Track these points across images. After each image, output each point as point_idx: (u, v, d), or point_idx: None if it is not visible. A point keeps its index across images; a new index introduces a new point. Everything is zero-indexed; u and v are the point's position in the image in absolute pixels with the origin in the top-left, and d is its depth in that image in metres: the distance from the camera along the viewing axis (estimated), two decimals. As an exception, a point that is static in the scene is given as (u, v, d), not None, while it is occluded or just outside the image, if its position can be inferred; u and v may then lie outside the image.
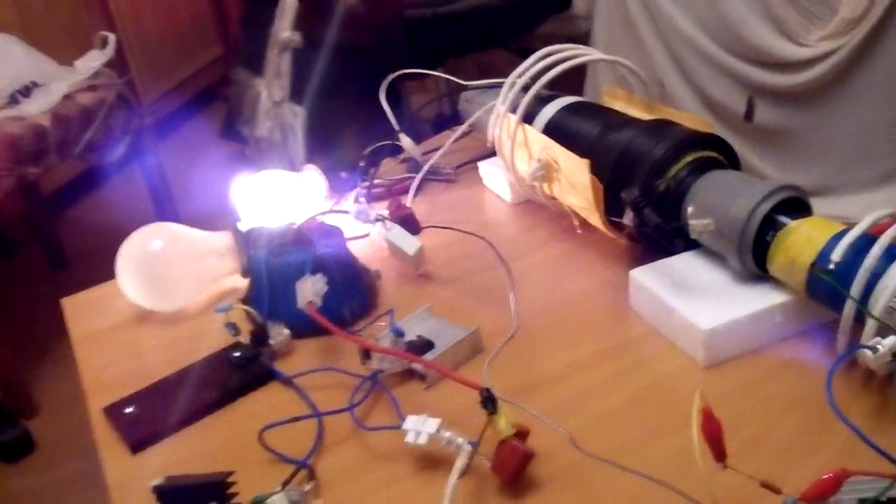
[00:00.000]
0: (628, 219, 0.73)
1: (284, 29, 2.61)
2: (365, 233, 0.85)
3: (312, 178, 0.91)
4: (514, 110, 0.84)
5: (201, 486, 0.56)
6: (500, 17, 1.67)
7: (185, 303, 0.81)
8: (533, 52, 0.86)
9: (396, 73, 1.04)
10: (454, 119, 1.14)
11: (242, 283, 0.81)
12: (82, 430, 1.46)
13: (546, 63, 0.84)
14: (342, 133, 1.79)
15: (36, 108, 1.66)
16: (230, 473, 0.56)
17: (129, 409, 0.68)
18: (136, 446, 0.65)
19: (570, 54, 0.84)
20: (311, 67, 2.30)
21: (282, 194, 0.87)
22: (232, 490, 0.56)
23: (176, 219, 2.17)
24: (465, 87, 1.02)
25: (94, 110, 1.74)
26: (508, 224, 0.91)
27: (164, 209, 2.07)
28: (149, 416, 0.67)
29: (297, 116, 2.64)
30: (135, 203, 2.43)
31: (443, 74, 1.04)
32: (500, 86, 0.89)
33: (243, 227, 0.83)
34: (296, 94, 2.56)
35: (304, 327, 0.73)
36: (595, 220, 0.77)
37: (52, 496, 1.50)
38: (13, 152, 1.59)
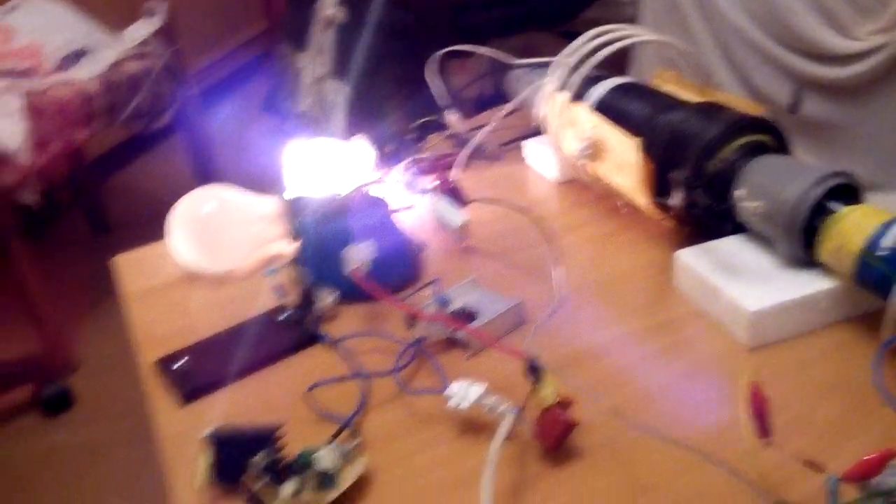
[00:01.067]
0: (676, 200, 0.73)
1: (329, 5, 2.62)
2: (410, 204, 0.86)
3: (361, 149, 0.92)
4: (562, 89, 0.84)
5: (252, 437, 0.57)
6: (545, 1, 1.67)
7: (233, 265, 0.83)
8: (578, 35, 0.86)
9: (444, 50, 1.05)
10: (497, 99, 1.14)
11: (289, 248, 0.83)
12: (122, 387, 1.50)
13: (597, 43, 0.84)
14: (386, 109, 1.80)
15: (85, 73, 1.69)
16: (280, 426, 0.58)
17: (181, 363, 0.70)
18: (188, 397, 0.67)
19: (622, 35, 0.85)
20: (355, 44, 2.30)
21: (331, 163, 0.89)
22: (280, 443, 0.57)
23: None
24: (512, 67, 1.03)
25: (142, 78, 1.77)
26: (552, 202, 0.92)
27: (206, 179, 2.09)
28: (200, 369, 0.69)
29: (338, 93, 2.65)
30: (177, 172, 2.47)
31: (491, 52, 1.05)
32: (548, 65, 0.89)
33: (292, 193, 0.84)
34: (339, 71, 2.57)
35: (349, 293, 0.75)
36: (642, 200, 0.77)
37: (91, 450, 1.54)
38: (61, 116, 1.62)
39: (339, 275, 0.73)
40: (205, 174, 2.09)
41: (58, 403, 1.62)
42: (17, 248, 1.61)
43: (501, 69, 1.05)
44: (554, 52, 0.88)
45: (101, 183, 2.39)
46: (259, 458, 0.56)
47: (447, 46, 1.05)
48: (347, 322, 0.74)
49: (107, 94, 1.69)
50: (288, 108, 2.61)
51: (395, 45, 1.79)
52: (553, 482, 0.56)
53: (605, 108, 0.85)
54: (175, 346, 0.73)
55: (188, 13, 2.70)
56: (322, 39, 2.53)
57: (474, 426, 0.61)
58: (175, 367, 0.70)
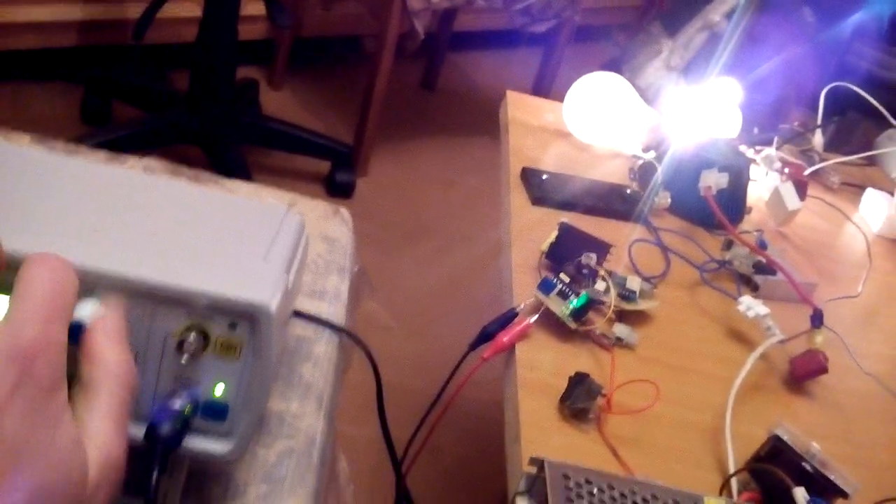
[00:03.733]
0: None
1: (717, 13, 2.72)
2: (753, 178, 0.99)
3: (733, 111, 1.06)
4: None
5: (591, 240, 0.75)
6: None
7: (598, 141, 1.00)
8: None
9: (832, 85, 1.16)
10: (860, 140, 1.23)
11: (641, 153, 0.99)
12: (388, 202, 1.76)
13: None
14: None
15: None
16: (613, 245, 0.74)
17: (543, 177, 0.88)
18: (537, 201, 0.86)
19: None
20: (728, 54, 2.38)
21: (708, 106, 1.03)
22: (607, 257, 0.74)
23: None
24: (891, 127, 1.12)
25: (548, -15, 1.98)
26: (865, 246, 1.01)
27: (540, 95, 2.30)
28: (553, 189, 0.87)
29: (678, 87, 2.77)
30: (513, 78, 2.70)
31: (877, 105, 1.14)
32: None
33: (668, 119, 1.00)
34: (689, 70, 2.69)
35: (681, 206, 0.90)
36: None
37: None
38: (477, -20, 1.87)
39: (686, 188, 0.88)
40: (539, 92, 2.29)
41: (343, 189, 1.91)
42: (386, 60, 1.89)
43: (876, 122, 1.14)
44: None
45: (451, 52, 2.65)
46: (590, 257, 0.73)
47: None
48: (669, 223, 0.89)
49: (516, -18, 1.92)
50: (628, 78, 2.78)
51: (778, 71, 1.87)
52: (781, 399, 0.69)
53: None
54: (535, 167, 0.91)
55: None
56: (693, 37, 2.65)
57: (739, 334, 0.75)
58: (537, 177, 0.88)
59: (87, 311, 0.37)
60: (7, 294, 0.39)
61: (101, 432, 0.32)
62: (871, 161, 1.18)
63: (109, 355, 0.34)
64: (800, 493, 0.49)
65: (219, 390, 0.43)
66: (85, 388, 0.33)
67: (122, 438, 0.33)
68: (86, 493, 0.30)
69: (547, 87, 2.31)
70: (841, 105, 1.33)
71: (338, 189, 1.90)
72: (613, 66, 2.97)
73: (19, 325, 0.30)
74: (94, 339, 0.35)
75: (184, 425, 0.42)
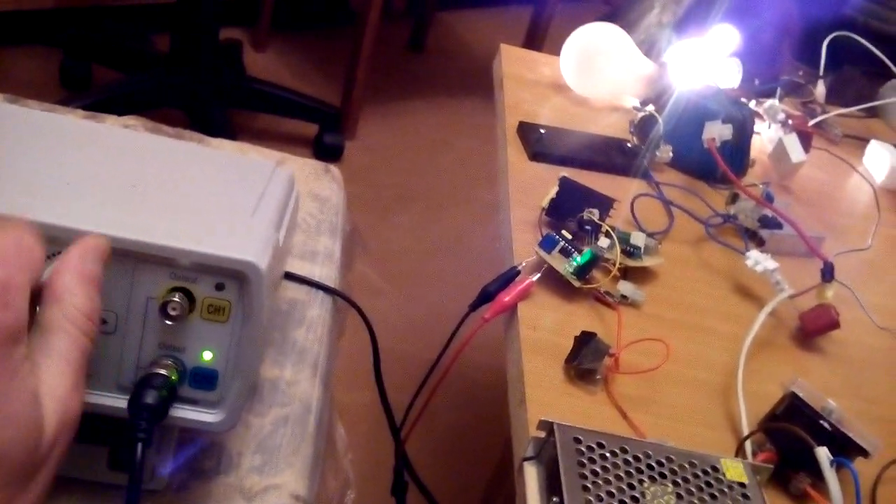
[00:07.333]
0: None
1: (711, -34, 2.63)
2: (756, 132, 0.96)
3: (733, 63, 1.03)
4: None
5: (593, 195, 0.72)
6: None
7: (596, 94, 0.97)
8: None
9: (835, 34, 1.13)
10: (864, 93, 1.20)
11: (640, 106, 0.95)
12: (377, 166, 1.72)
13: None
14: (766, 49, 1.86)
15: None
16: (617, 200, 0.72)
17: (541, 131, 0.85)
18: (535, 156, 0.82)
19: None
20: (719, 9, 2.34)
21: (706, 58, 1.00)
22: (610, 213, 0.71)
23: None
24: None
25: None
26: (869, 198, 0.98)
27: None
28: (551, 143, 0.84)
29: (667, 45, 2.71)
30: (502, 37, 2.64)
31: (883, 57, 1.11)
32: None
33: (669, 70, 0.96)
34: (679, 26, 2.62)
35: (684, 159, 0.87)
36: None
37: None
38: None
39: (687, 140, 0.85)
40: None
41: (331, 151, 1.87)
42: (372, 23, 1.84)
43: (872, 75, 1.11)
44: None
45: (438, 12, 2.60)
46: (592, 212, 0.70)
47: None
48: (671, 177, 0.87)
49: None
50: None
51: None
52: (791, 356, 0.67)
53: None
54: (532, 121, 0.88)
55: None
56: (685, -8, 2.60)
57: (747, 290, 0.72)
58: (535, 131, 0.85)
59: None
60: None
61: (58, 384, 0.29)
62: (872, 113, 1.15)
63: (74, 297, 0.32)
64: (823, 453, 0.46)
65: (207, 356, 0.40)
66: (43, 330, 0.31)
67: (80, 391, 0.31)
68: (41, 451, 0.28)
69: (538, 46, 2.25)
70: (837, 58, 1.30)
71: (326, 152, 1.86)
72: (610, 19, 2.92)
73: None
74: (60, 278, 0.32)
75: (170, 394, 0.39)
